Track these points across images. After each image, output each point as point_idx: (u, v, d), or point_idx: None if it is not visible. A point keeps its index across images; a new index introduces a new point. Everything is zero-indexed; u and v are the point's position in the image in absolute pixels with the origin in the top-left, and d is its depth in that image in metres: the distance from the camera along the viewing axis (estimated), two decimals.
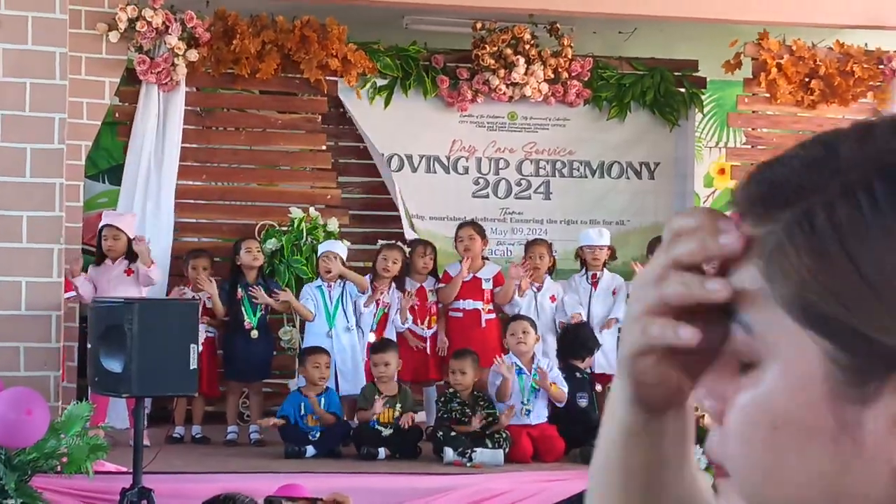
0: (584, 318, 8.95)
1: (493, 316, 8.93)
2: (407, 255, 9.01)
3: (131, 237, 8.43)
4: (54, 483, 6.51)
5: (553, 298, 9.09)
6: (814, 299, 0.82)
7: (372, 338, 8.59)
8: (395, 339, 8.64)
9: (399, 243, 9.29)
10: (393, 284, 8.80)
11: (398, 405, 7.95)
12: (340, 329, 8.54)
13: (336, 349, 8.33)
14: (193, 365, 6.18)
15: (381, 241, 9.36)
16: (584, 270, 9.23)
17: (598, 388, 8.56)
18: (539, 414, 7.99)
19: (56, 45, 7.67)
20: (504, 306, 8.98)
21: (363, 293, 8.61)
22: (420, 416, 8.67)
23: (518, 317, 8.41)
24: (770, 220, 0.86)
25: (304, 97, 10.13)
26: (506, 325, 8.47)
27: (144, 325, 6.07)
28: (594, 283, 9.17)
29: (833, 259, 0.82)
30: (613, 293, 9.11)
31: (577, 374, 8.37)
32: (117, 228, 8.41)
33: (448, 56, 10.45)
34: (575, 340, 8.53)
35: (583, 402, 8.25)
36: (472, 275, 8.95)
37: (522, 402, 7.97)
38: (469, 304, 8.90)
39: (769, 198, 0.88)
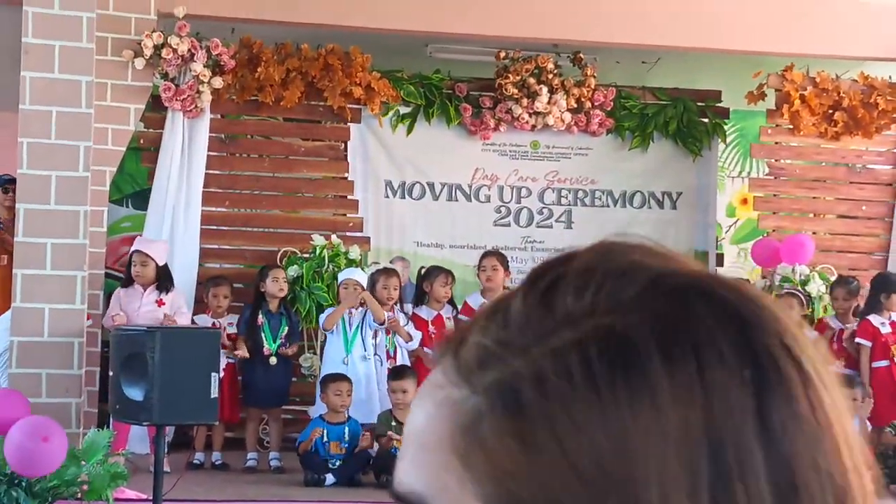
0: None
1: None
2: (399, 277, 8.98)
3: (160, 265, 8.45)
4: None
5: None
6: (521, 495, 0.67)
7: (389, 364, 8.59)
8: (408, 363, 8.63)
9: (393, 266, 9.28)
10: (396, 306, 8.81)
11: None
12: (357, 357, 8.54)
13: (351, 376, 8.32)
14: (214, 393, 6.19)
15: (374, 266, 9.33)
16: None
17: None
18: None
19: (82, 74, 7.72)
20: None
21: (380, 324, 8.60)
22: None
23: None
24: (467, 381, 0.70)
25: (328, 125, 10.17)
26: None
27: (166, 354, 6.08)
28: None
29: (541, 446, 0.66)
30: None
31: None
32: (146, 255, 8.44)
33: (471, 84, 10.48)
34: None
35: None
36: None
37: None
38: None
39: (471, 357, 0.71)
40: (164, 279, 8.47)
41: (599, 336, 0.68)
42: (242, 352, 8.57)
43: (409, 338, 8.73)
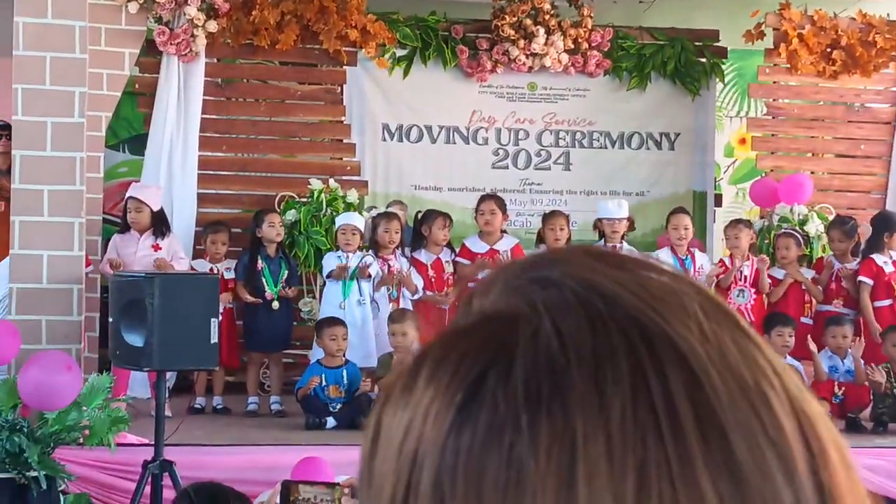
0: None
1: None
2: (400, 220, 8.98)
3: (155, 210, 8.45)
4: (76, 455, 6.56)
5: None
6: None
7: (391, 307, 8.60)
8: (411, 308, 8.65)
9: (394, 210, 9.27)
10: (398, 251, 8.81)
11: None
12: (353, 302, 8.54)
13: (347, 321, 8.32)
14: (214, 339, 6.20)
15: (374, 210, 9.31)
16: (602, 242, 9.21)
17: None
18: None
19: (76, 19, 7.66)
20: None
21: (413, 294, 8.63)
22: None
23: None
24: None
25: (324, 68, 10.12)
26: None
27: (165, 300, 6.09)
28: None
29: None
30: None
31: None
32: (140, 201, 8.43)
33: (468, 26, 10.42)
34: None
35: None
36: (488, 247, 8.94)
37: None
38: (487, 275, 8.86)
39: None
40: (159, 224, 8.46)
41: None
42: (250, 298, 8.56)
43: (416, 290, 8.72)
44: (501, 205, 9.06)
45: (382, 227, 8.75)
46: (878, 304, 8.98)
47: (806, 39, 10.24)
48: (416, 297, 8.76)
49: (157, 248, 8.35)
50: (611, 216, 9.12)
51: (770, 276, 9.13)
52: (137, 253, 8.28)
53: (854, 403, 8.29)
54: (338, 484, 3.67)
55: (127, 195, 8.57)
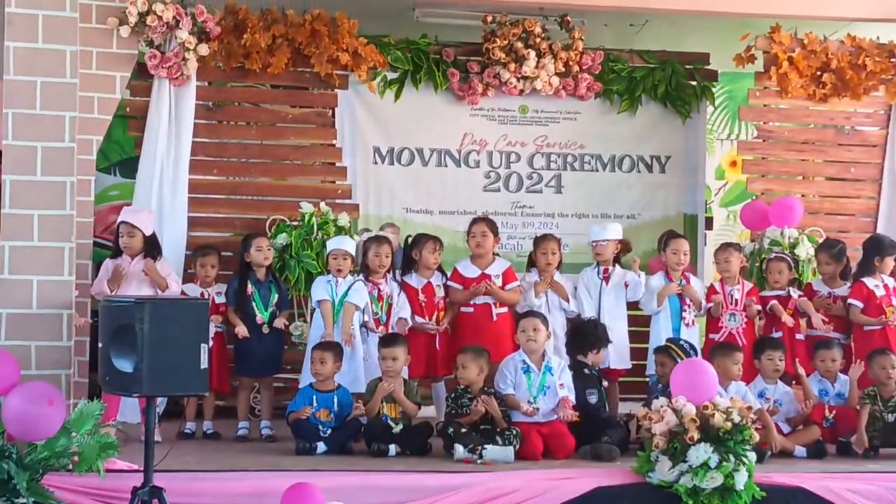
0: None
1: (504, 310, 8.90)
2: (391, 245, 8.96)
3: (147, 234, 8.44)
4: (66, 482, 6.53)
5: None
6: None
7: (382, 331, 8.58)
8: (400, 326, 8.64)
9: (385, 234, 9.27)
10: (388, 275, 8.79)
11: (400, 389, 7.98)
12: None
13: (336, 347, 8.30)
14: (204, 364, 6.20)
15: (366, 234, 9.32)
16: (595, 264, 9.22)
17: (605, 384, 8.56)
18: (545, 412, 7.97)
19: (67, 44, 7.65)
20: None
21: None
22: (430, 412, 8.69)
23: (529, 313, 8.38)
24: None
25: (315, 91, 10.13)
26: (517, 320, 8.45)
27: (155, 325, 6.09)
28: (605, 278, 9.14)
29: None
30: (626, 285, 9.08)
31: (586, 371, 8.36)
32: (132, 226, 8.41)
33: (459, 49, 10.45)
34: (584, 336, 8.51)
35: (592, 399, 8.25)
36: (480, 271, 8.93)
37: (529, 401, 7.95)
38: (480, 298, 8.86)
39: None
40: (151, 248, 8.45)
41: None
42: (242, 330, 8.55)
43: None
44: (493, 227, 9.05)
45: (373, 252, 8.73)
46: (869, 328, 8.99)
47: (796, 62, 10.27)
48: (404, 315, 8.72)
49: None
50: (596, 238, 9.14)
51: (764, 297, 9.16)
52: (129, 278, 8.27)
53: (845, 427, 8.28)
54: None
55: (119, 220, 8.55)
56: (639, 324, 9.30)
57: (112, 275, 8.23)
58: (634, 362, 9.19)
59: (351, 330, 8.44)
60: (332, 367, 8.08)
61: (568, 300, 8.99)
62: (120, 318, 6.23)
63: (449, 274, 8.98)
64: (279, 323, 8.67)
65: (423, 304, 8.86)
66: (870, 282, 9.04)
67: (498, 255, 9.20)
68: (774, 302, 9.09)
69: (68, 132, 7.64)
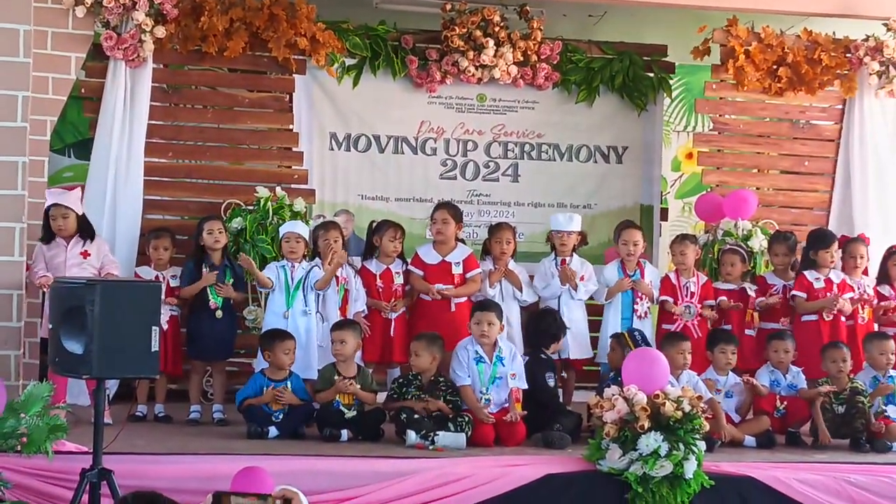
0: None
1: (463, 300, 8.90)
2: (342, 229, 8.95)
3: (79, 213, 8.28)
4: (13, 463, 6.47)
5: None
6: None
7: (338, 316, 8.57)
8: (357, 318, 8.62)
9: (334, 219, 9.25)
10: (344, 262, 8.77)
11: (357, 385, 7.96)
12: (297, 312, 8.49)
13: (291, 331, 8.28)
14: (155, 347, 6.16)
15: (312, 222, 9.28)
16: (553, 255, 9.22)
17: (564, 374, 8.58)
18: (498, 402, 7.98)
19: (20, 23, 7.59)
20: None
21: (319, 291, 8.56)
22: (384, 398, 8.68)
23: (484, 305, 8.34)
24: None
25: (273, 76, 10.08)
26: (472, 311, 8.41)
27: (106, 307, 6.04)
28: None
29: None
30: (581, 279, 9.08)
31: (543, 356, 8.37)
32: (66, 207, 8.22)
33: (417, 37, 10.44)
34: (542, 331, 8.50)
35: (550, 382, 8.25)
36: (441, 257, 8.92)
37: (481, 392, 7.96)
38: (439, 287, 8.85)
39: None
40: (83, 229, 8.26)
41: None
42: (228, 290, 8.56)
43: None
44: (455, 214, 9.04)
45: (321, 237, 8.73)
46: (806, 318, 9.08)
47: (752, 56, 10.33)
48: (359, 309, 8.72)
49: (86, 254, 8.17)
50: (560, 229, 9.14)
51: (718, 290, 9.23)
52: (68, 261, 8.10)
53: (795, 417, 8.36)
54: (269, 495, 3.65)
55: (48, 203, 8.23)
56: (598, 313, 9.29)
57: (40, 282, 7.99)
58: (595, 351, 9.22)
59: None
60: (353, 346, 8.03)
61: (522, 289, 9.00)
62: (70, 300, 6.18)
63: (410, 259, 8.97)
64: (230, 293, 8.62)
65: (381, 290, 8.87)
66: (810, 274, 9.13)
67: (463, 241, 9.18)
68: (723, 298, 9.15)
69: (21, 112, 7.58)
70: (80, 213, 8.29)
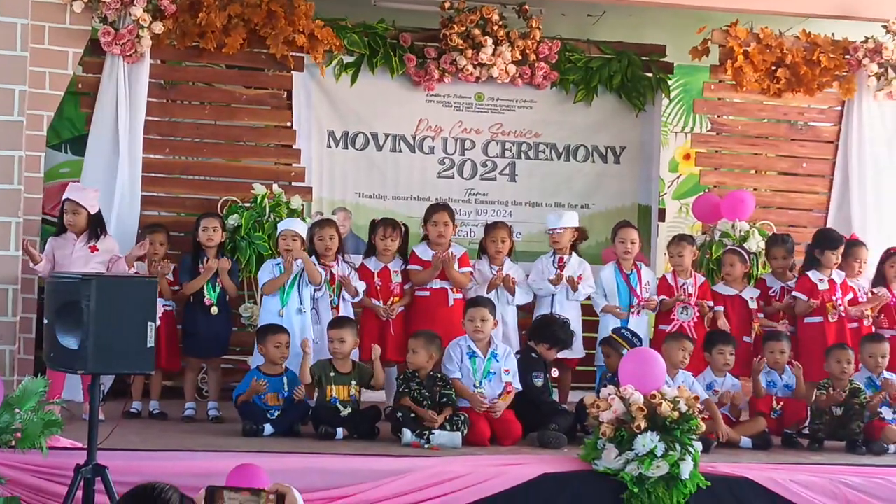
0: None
1: (460, 296, 8.89)
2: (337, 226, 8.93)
3: (92, 213, 8.33)
4: (8, 458, 6.44)
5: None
6: None
7: (334, 314, 8.55)
8: (352, 315, 8.61)
9: (330, 217, 9.22)
10: (339, 257, 8.76)
11: (353, 382, 7.94)
12: (292, 310, 8.48)
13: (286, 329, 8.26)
14: (151, 343, 6.12)
15: (308, 220, 9.27)
16: (552, 253, 9.22)
17: (556, 372, 8.55)
18: (492, 396, 7.96)
19: (18, 16, 7.58)
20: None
21: (315, 285, 8.55)
22: (380, 396, 8.66)
23: (477, 301, 8.33)
24: None
25: (271, 73, 10.07)
26: (466, 307, 8.41)
27: (102, 302, 6.01)
28: (560, 267, 9.14)
29: None
30: (578, 279, 9.06)
31: (533, 355, 8.35)
32: (77, 203, 8.30)
33: (416, 35, 10.42)
34: (546, 330, 8.43)
35: (538, 382, 8.23)
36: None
37: (474, 386, 7.95)
38: (436, 283, 8.86)
39: None
40: (95, 226, 8.33)
41: None
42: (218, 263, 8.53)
43: (356, 293, 8.69)
44: (453, 216, 9.08)
45: (317, 235, 8.71)
46: (809, 320, 9.07)
47: (751, 57, 10.33)
48: (356, 299, 8.72)
49: (93, 249, 8.23)
50: (551, 226, 9.14)
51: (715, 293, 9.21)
52: (74, 255, 8.15)
53: (792, 419, 8.34)
54: (263, 490, 3.61)
55: (63, 197, 8.39)
56: (593, 313, 9.28)
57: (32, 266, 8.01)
58: (588, 351, 9.20)
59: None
60: (351, 345, 8.02)
61: (514, 295, 8.99)
62: (66, 295, 6.15)
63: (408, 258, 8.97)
64: (223, 264, 8.60)
65: (378, 288, 8.86)
66: (814, 275, 9.12)
67: (451, 241, 9.17)
68: (720, 309, 9.14)
69: (17, 106, 7.57)
70: (92, 213, 8.31)
